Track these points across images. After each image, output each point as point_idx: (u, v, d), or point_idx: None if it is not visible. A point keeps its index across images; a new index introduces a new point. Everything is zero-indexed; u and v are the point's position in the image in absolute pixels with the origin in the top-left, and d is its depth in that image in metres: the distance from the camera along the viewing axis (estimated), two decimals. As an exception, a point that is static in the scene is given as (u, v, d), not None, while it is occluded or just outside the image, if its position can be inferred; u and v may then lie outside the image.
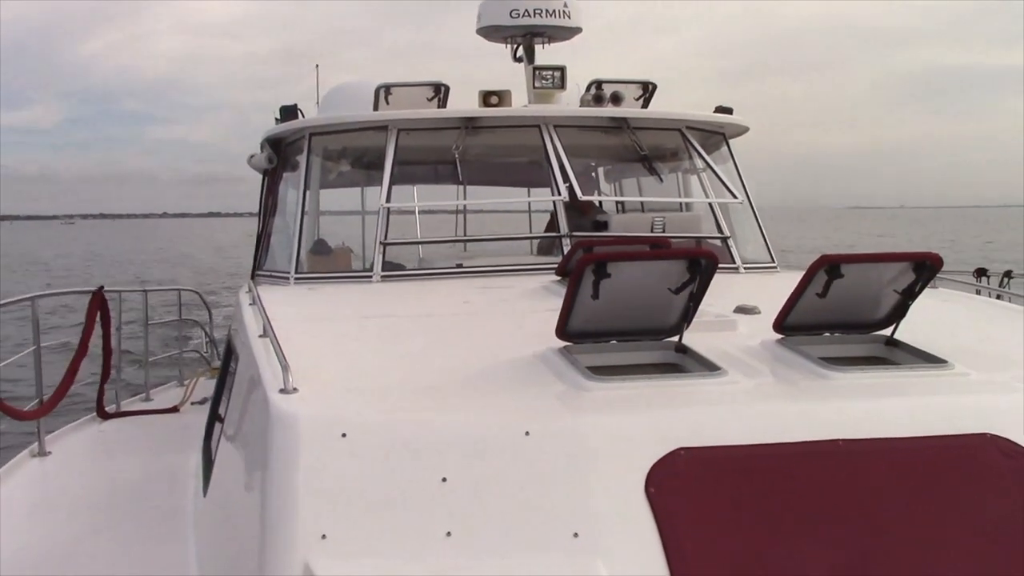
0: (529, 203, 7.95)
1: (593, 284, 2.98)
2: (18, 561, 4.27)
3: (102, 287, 7.24)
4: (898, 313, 3.27)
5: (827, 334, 3.35)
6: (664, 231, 5.90)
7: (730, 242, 6.17)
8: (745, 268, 6.15)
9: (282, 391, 2.68)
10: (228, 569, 3.21)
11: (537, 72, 6.45)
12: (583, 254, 4.27)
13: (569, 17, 6.76)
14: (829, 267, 3.08)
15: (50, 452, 6.20)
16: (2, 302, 6.18)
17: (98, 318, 7.06)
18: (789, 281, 3.36)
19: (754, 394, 2.92)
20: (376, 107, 6.12)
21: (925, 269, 3.14)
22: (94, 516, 4.92)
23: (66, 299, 14.52)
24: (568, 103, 6.51)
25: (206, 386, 8.32)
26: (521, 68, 6.87)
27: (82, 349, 6.78)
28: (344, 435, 2.46)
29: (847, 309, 3.26)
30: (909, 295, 3.20)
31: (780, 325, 3.29)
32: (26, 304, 6.36)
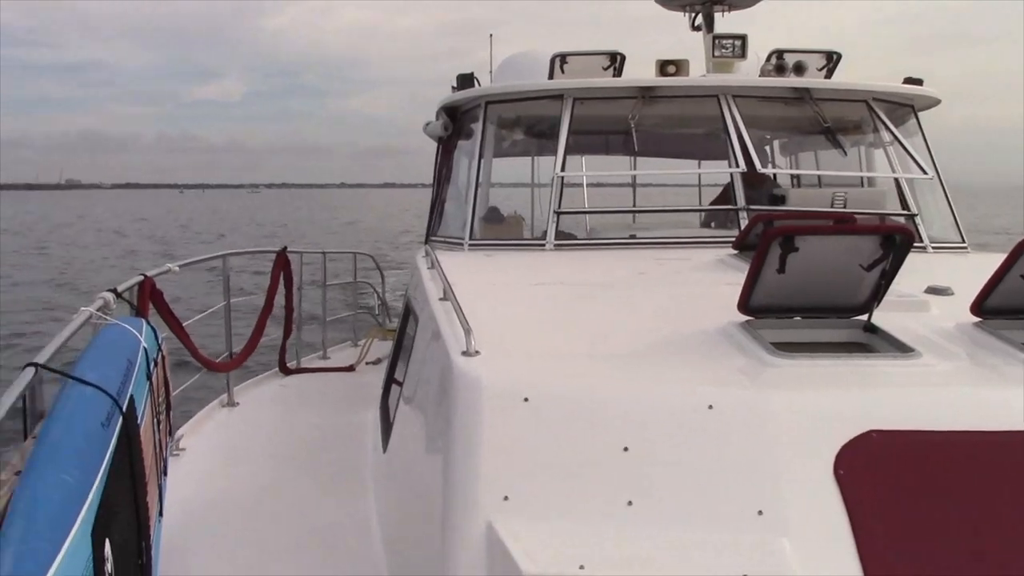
0: (699, 175, 7.80)
1: (780, 258, 2.90)
2: (212, 502, 4.59)
3: (285, 248, 7.62)
4: None
5: None
6: (845, 206, 5.64)
7: (917, 220, 5.85)
8: (933, 248, 5.82)
9: (464, 354, 2.72)
10: (409, 524, 3.31)
11: (717, 41, 6.27)
12: (766, 227, 4.15)
13: None
14: None
15: (238, 403, 6.62)
16: (197, 259, 6.58)
17: (281, 277, 7.46)
18: (983, 262, 3.16)
19: (950, 378, 2.76)
20: (551, 76, 6.12)
21: None
22: (279, 465, 5.22)
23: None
24: (747, 73, 6.32)
25: (379, 347, 8.65)
26: (699, 37, 6.71)
27: (268, 306, 7.18)
28: (526, 399, 2.47)
29: None
30: None
31: (979, 307, 3.10)
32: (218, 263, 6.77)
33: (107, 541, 2.08)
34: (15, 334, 17.84)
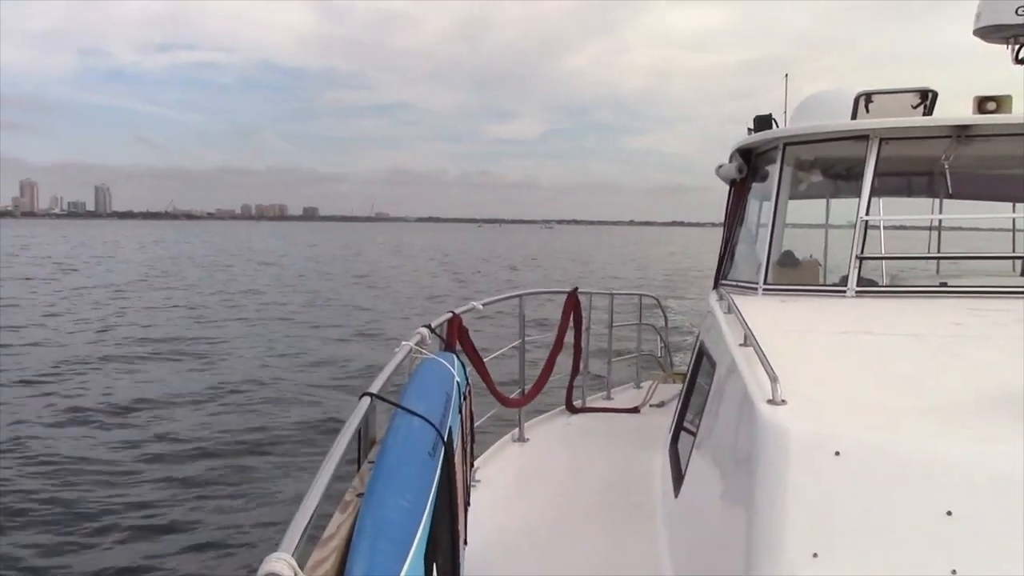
0: (1013, 220, 7.15)
1: None
2: (506, 533, 4.77)
3: (576, 288, 7.83)
4: None
5: None
6: None
7: None
8: None
9: (770, 402, 2.65)
10: (705, 573, 3.25)
11: None
12: None
13: None
14: None
15: (528, 439, 6.86)
16: (497, 298, 6.93)
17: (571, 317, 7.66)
18: None
19: None
20: (854, 115, 5.87)
21: None
22: (570, 502, 5.34)
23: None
24: None
25: (663, 390, 8.62)
26: (1021, 71, 6.18)
27: (558, 344, 7.40)
28: (837, 453, 2.38)
29: None
30: None
31: None
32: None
33: (435, 565, 2.22)
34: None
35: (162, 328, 25.10)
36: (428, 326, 4.16)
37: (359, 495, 2.23)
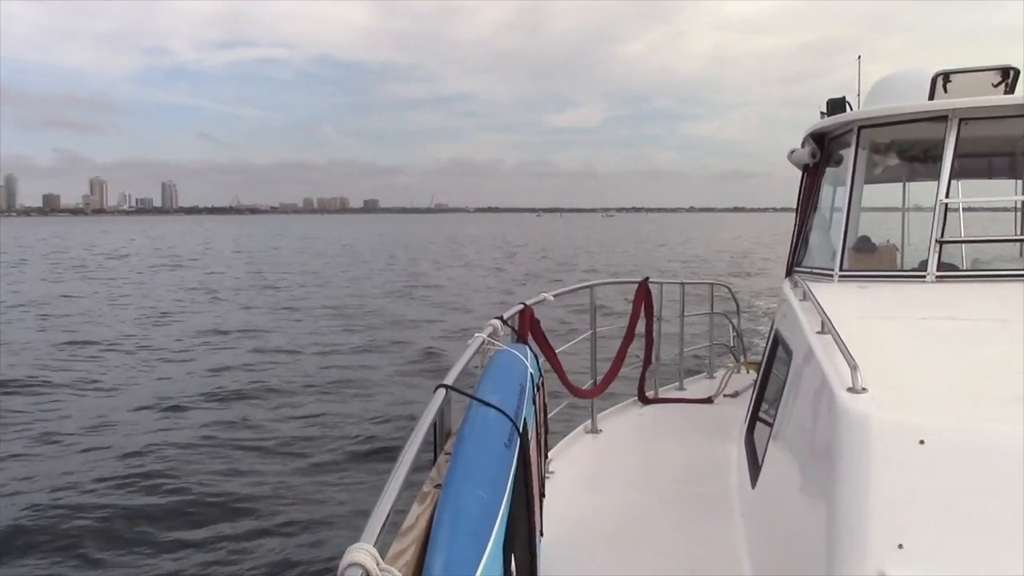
0: None
1: None
2: (581, 524, 4.77)
3: (647, 278, 7.77)
4: None
5: None
6: None
7: None
8: None
9: (850, 390, 2.61)
10: (786, 565, 3.23)
11: None
12: None
13: None
14: None
15: (601, 430, 6.85)
16: (568, 288, 6.90)
17: (642, 308, 7.60)
18: None
19: None
20: (932, 96, 5.71)
21: None
22: (644, 493, 5.33)
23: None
24: None
25: (736, 380, 8.52)
26: None
27: (629, 335, 7.35)
28: (922, 442, 2.35)
29: None
30: None
31: None
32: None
33: (513, 556, 2.23)
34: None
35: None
36: (500, 317, 4.17)
37: (437, 486, 2.26)
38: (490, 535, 2.01)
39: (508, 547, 2.16)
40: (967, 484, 2.28)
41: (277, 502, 9.86)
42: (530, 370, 3.48)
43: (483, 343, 3.66)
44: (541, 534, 3.55)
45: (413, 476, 2.16)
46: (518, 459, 2.58)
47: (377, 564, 1.71)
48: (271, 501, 9.89)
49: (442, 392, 2.76)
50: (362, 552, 1.70)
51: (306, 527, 9.08)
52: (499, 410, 2.65)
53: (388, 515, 1.93)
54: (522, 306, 4.76)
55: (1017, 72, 5.60)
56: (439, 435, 2.83)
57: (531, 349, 3.93)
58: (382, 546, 1.81)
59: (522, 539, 2.57)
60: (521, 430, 2.73)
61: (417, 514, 2.17)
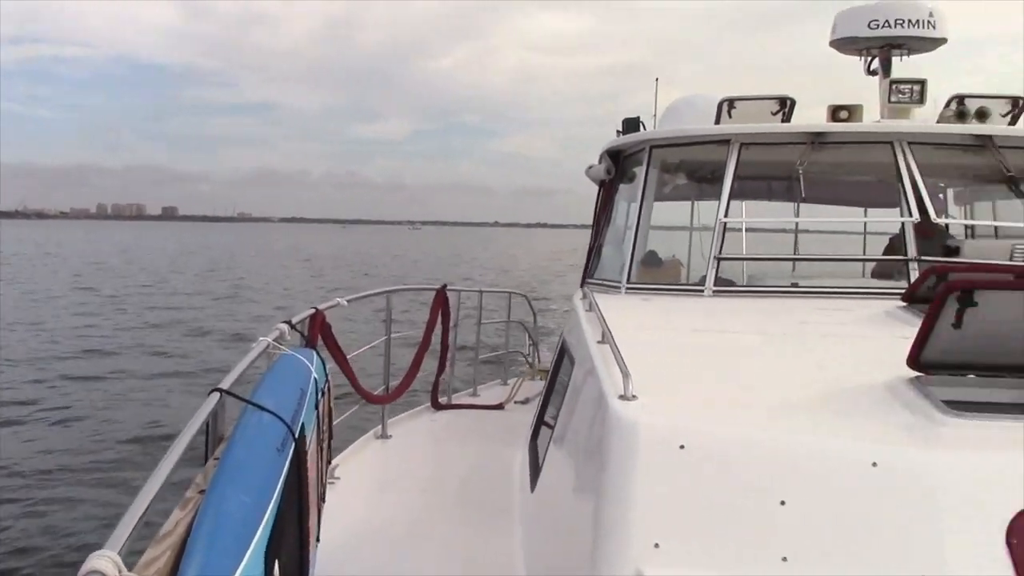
0: (864, 224, 7.51)
1: (956, 312, 2.73)
2: (364, 532, 4.70)
3: (445, 285, 7.77)
4: None
5: None
6: None
7: None
8: None
9: (622, 398, 2.70)
10: (556, 566, 3.30)
11: (894, 86, 6.04)
12: (939, 279, 3.95)
13: (934, 27, 6.29)
14: None
15: (391, 435, 6.77)
16: (364, 294, 6.80)
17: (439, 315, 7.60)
18: None
19: None
20: (718, 120, 6.04)
21: None
22: (429, 498, 5.31)
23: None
24: (924, 120, 6.05)
25: (528, 387, 8.67)
26: (873, 82, 6.50)
27: (425, 342, 7.33)
28: (682, 447, 2.43)
29: None
30: None
31: None
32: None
33: (276, 561, 2.16)
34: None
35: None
36: (288, 322, 4.04)
37: (201, 492, 2.16)
38: (251, 541, 1.94)
39: (272, 553, 2.09)
40: (720, 486, 2.39)
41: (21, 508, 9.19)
42: (315, 375, 3.36)
43: (268, 347, 3.53)
44: (318, 540, 3.46)
45: (182, 482, 2.07)
46: (291, 464, 2.50)
47: (119, 572, 1.61)
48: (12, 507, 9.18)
49: (215, 396, 2.66)
50: (103, 559, 1.60)
51: (55, 535, 8.50)
52: (274, 414, 2.56)
53: (139, 520, 1.84)
54: (314, 310, 4.62)
55: (793, 102, 6.00)
56: (211, 440, 2.71)
57: (318, 354, 3.81)
58: (136, 553, 1.72)
59: (290, 545, 2.49)
60: (297, 435, 2.64)
61: (177, 520, 2.06)
